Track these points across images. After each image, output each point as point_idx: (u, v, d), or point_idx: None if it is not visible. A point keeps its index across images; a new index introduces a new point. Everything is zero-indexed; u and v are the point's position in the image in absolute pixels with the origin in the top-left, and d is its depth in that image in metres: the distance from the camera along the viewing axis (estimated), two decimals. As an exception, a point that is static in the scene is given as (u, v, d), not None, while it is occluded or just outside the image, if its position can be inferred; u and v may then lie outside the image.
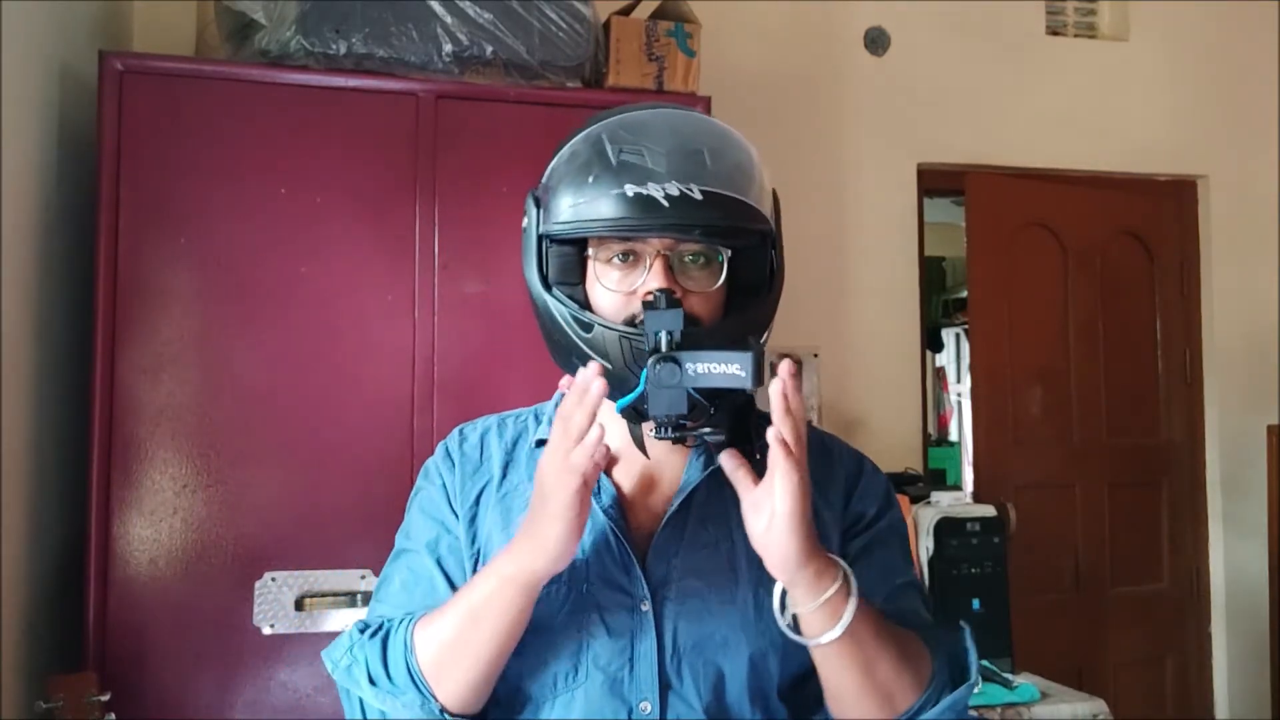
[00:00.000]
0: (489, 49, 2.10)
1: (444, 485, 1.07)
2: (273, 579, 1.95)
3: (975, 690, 0.99)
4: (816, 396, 2.99)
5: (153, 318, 1.94)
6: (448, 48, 2.08)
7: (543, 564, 0.91)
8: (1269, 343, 3.40)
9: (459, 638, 0.95)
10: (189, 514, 1.93)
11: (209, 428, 1.95)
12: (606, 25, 2.28)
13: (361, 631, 1.02)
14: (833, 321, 3.03)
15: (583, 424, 0.88)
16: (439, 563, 1.04)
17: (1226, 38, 3.42)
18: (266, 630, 1.93)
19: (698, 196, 0.91)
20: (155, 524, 1.92)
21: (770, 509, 0.88)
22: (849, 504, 1.07)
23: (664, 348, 0.89)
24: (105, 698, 1.68)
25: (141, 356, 1.93)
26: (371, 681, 0.97)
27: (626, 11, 2.38)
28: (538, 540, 0.91)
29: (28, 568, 1.86)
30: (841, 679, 0.93)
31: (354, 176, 2.05)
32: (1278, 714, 3.17)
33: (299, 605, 1.94)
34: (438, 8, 2.08)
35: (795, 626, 0.92)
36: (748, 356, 0.86)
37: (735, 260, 0.98)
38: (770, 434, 0.87)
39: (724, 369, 0.86)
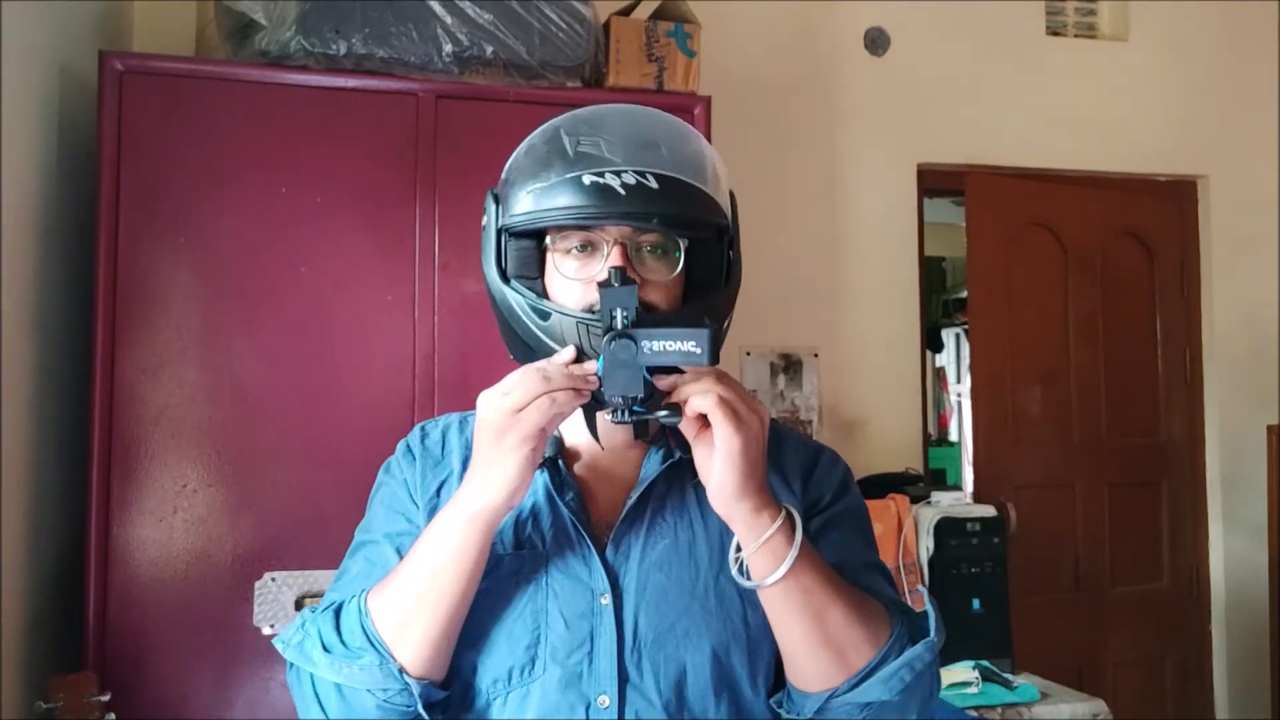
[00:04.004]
0: (489, 49, 2.10)
1: (405, 480, 1.07)
2: (273, 579, 1.95)
3: (937, 648, 0.95)
4: (817, 397, 2.99)
5: (153, 317, 1.94)
6: (448, 48, 2.08)
7: (503, 496, 0.90)
8: (1269, 343, 3.40)
9: (419, 591, 0.93)
10: (189, 514, 1.93)
11: (209, 427, 1.95)
12: (606, 25, 2.28)
13: (312, 612, 1.01)
14: (832, 321, 3.03)
15: (564, 385, 0.88)
16: (398, 551, 1.02)
17: (1226, 38, 3.42)
18: (266, 630, 1.93)
19: (654, 185, 0.92)
20: (155, 524, 1.92)
21: (714, 448, 0.88)
22: (806, 489, 1.06)
23: (619, 325, 0.88)
24: (105, 698, 1.68)
25: (141, 356, 1.93)
26: (326, 650, 0.96)
27: (626, 12, 2.38)
28: (495, 472, 0.89)
29: (28, 568, 1.86)
30: (791, 630, 0.92)
31: (354, 176, 2.05)
32: (1278, 714, 3.16)
33: (299, 605, 1.94)
34: (438, 8, 2.08)
35: (748, 576, 0.92)
36: (704, 333, 0.84)
37: (692, 257, 0.98)
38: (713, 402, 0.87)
39: (681, 346, 0.85)
